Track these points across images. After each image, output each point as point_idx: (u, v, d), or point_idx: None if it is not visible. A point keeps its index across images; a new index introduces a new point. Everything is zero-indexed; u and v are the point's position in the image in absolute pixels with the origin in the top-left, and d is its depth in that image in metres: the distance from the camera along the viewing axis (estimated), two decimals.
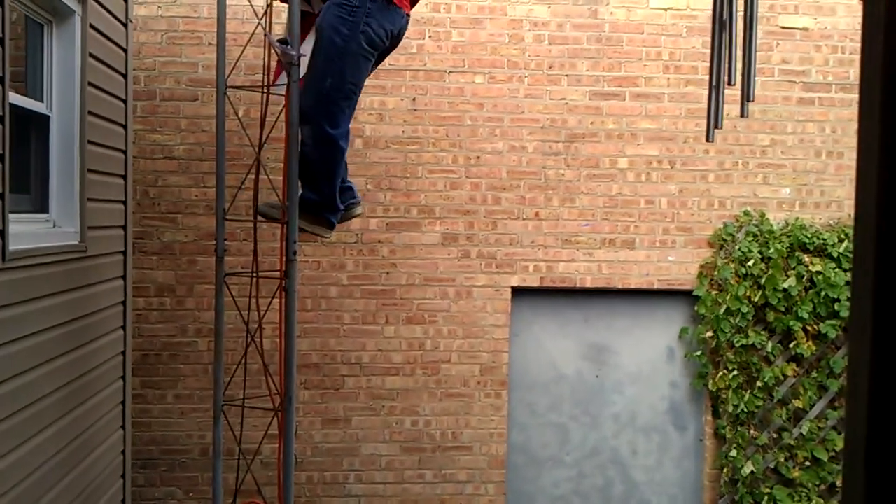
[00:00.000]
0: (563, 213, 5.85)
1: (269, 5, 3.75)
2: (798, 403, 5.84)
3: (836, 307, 5.74)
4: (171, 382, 5.65)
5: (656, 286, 5.95)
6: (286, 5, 3.54)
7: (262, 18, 3.69)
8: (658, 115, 5.89)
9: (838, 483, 5.79)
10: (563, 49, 5.81)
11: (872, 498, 0.92)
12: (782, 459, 5.84)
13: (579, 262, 5.88)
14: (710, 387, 5.95)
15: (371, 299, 5.75)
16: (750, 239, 5.83)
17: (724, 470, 5.90)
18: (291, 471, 3.50)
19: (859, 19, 1.10)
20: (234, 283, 4.04)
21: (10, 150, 3.25)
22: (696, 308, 5.93)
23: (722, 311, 5.76)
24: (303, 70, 3.50)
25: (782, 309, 5.77)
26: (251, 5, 4.03)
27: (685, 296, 6.02)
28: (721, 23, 3.49)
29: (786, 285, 5.72)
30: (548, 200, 5.84)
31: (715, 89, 3.59)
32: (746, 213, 5.94)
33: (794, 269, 5.79)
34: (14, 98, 3.49)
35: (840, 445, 5.76)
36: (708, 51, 4.21)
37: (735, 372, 5.80)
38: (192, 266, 5.62)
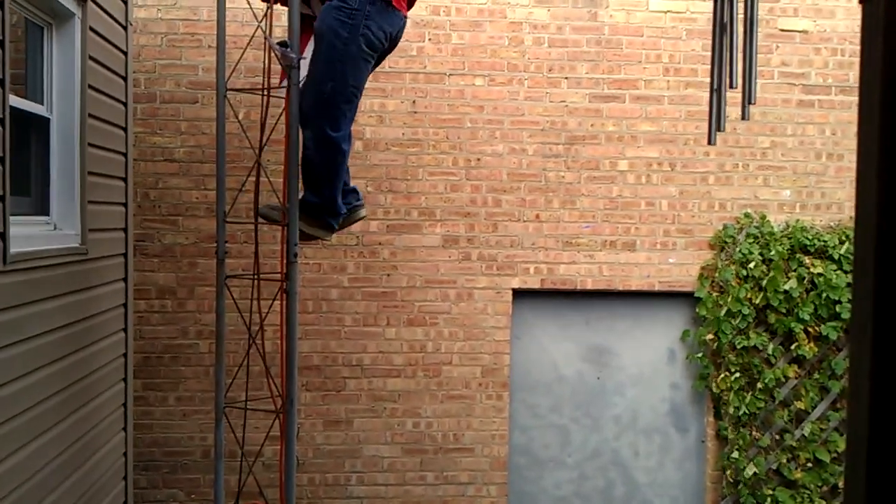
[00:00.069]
0: (564, 215, 5.86)
1: (269, 8, 3.76)
2: (800, 405, 5.84)
3: (837, 309, 5.74)
4: (173, 384, 5.65)
5: (657, 288, 5.95)
6: (286, 8, 3.55)
7: (261, 21, 3.70)
8: (658, 117, 5.89)
9: (840, 484, 5.79)
10: (562, 52, 5.81)
11: (874, 498, 0.92)
12: (784, 461, 5.84)
13: (580, 263, 5.89)
14: (711, 388, 5.95)
15: (372, 301, 5.76)
16: (751, 241, 5.83)
17: (727, 471, 5.89)
18: (293, 472, 3.50)
19: (858, 22, 1.10)
20: (234, 286, 4.04)
21: (10, 152, 3.25)
22: (697, 310, 5.93)
23: (723, 312, 5.76)
24: (303, 73, 3.50)
25: (783, 311, 5.77)
26: (251, 8, 4.03)
27: (686, 297, 6.02)
28: (722, 26, 3.50)
29: (787, 287, 5.72)
30: (548, 202, 5.84)
31: (716, 92, 3.59)
32: (747, 215, 5.94)
33: (794, 270, 5.79)
34: (14, 100, 3.49)
35: (842, 447, 5.76)
36: (708, 53, 4.21)
37: (736, 373, 5.80)
38: (193, 268, 5.62)
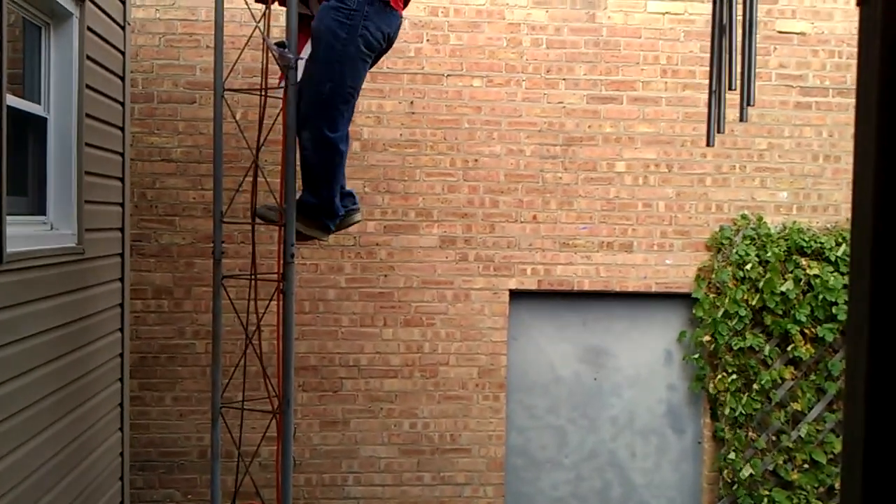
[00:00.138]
0: (561, 217, 5.86)
1: (267, 9, 3.76)
2: (796, 406, 5.85)
3: (833, 310, 5.74)
4: (170, 384, 5.64)
5: (654, 289, 5.96)
6: (284, 8, 3.55)
7: (259, 21, 3.70)
8: (655, 118, 5.90)
9: (837, 485, 5.80)
10: (560, 53, 5.82)
11: (870, 500, 0.92)
12: (781, 462, 5.85)
13: (577, 265, 5.89)
14: (708, 390, 5.95)
15: (369, 302, 5.75)
16: (747, 242, 5.84)
17: (723, 472, 5.90)
18: (290, 473, 3.50)
19: (856, 24, 1.10)
20: (231, 286, 4.04)
21: (7, 152, 3.24)
22: (693, 311, 5.93)
23: (720, 314, 5.77)
24: (299, 73, 3.50)
25: (780, 312, 5.78)
26: (249, 8, 4.03)
27: (683, 299, 6.02)
28: (721, 27, 3.50)
29: (783, 289, 5.73)
30: (545, 203, 5.84)
31: (715, 94, 3.59)
32: (744, 217, 5.95)
33: (791, 272, 5.79)
34: (11, 100, 3.49)
35: (838, 448, 5.76)
36: (705, 55, 4.22)
37: (733, 375, 5.81)
38: (190, 268, 5.62)
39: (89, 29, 4.14)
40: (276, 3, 3.76)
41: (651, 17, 5.87)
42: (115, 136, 4.65)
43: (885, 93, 0.95)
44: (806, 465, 5.85)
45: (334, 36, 3.38)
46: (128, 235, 4.91)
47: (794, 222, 5.96)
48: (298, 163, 3.56)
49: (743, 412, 5.78)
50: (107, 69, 4.46)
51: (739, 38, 3.44)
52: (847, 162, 6.01)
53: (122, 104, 4.75)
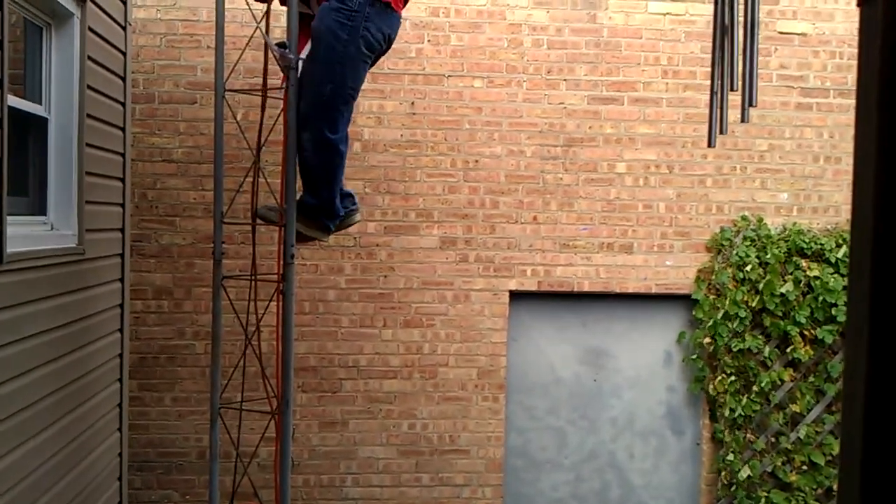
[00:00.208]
0: (562, 218, 5.86)
1: (268, 9, 3.76)
2: (795, 408, 5.85)
3: (833, 312, 5.74)
4: (169, 385, 5.64)
5: (654, 290, 5.95)
6: (285, 8, 3.55)
7: (260, 21, 3.70)
8: (656, 119, 5.89)
9: (835, 487, 5.79)
10: (561, 54, 5.82)
11: (868, 501, 0.92)
12: (779, 463, 5.84)
13: (577, 266, 5.89)
14: (707, 391, 5.95)
15: (369, 303, 5.75)
16: (747, 244, 5.84)
17: (722, 474, 5.90)
18: (288, 474, 3.49)
19: (857, 25, 1.10)
20: (231, 287, 4.04)
21: (8, 152, 3.25)
22: (693, 312, 5.93)
23: (720, 315, 5.77)
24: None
25: (780, 314, 5.77)
26: (250, 9, 4.03)
27: (683, 300, 6.02)
28: (723, 28, 3.50)
29: (783, 290, 5.73)
30: (546, 204, 5.84)
31: (716, 95, 3.59)
32: (744, 218, 5.95)
33: (791, 273, 5.79)
34: (12, 100, 3.49)
35: (837, 450, 5.76)
36: (706, 56, 4.22)
37: (732, 376, 5.80)
38: (190, 269, 5.62)
39: (90, 29, 4.14)
40: (277, 3, 3.76)
41: (652, 18, 5.87)
42: (116, 137, 4.65)
43: (886, 93, 0.95)
44: (805, 467, 5.84)
45: (335, 37, 3.38)
46: (128, 236, 4.92)
47: (795, 224, 5.95)
48: (298, 163, 3.56)
49: (742, 414, 5.78)
50: (108, 69, 4.46)
51: (741, 39, 3.44)
52: (848, 163, 6.01)
53: (123, 104, 4.75)
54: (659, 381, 6.15)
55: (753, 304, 5.75)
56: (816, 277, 5.74)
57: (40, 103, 3.90)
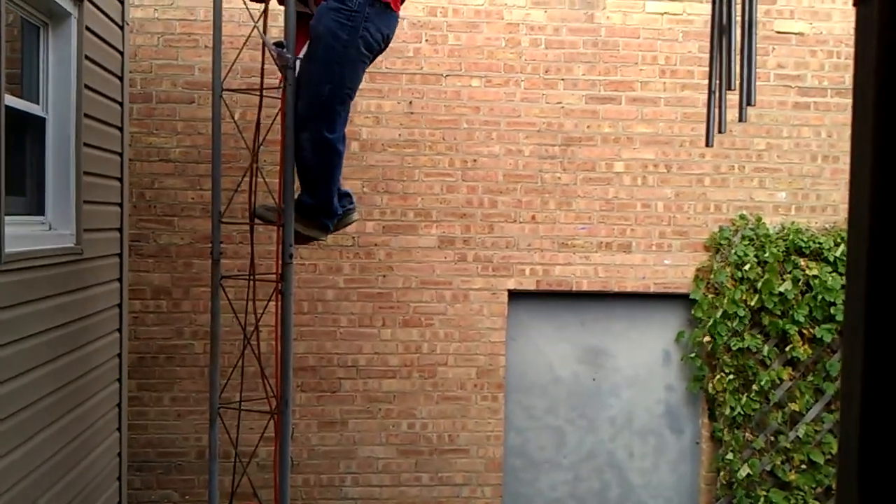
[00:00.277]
0: (560, 217, 5.86)
1: (266, 8, 3.76)
2: (794, 407, 5.85)
3: (832, 311, 5.75)
4: (168, 385, 5.64)
5: (652, 290, 5.96)
6: (282, 8, 3.54)
7: (257, 21, 3.70)
8: (654, 119, 5.90)
9: (834, 486, 5.80)
10: (559, 53, 5.82)
11: (866, 499, 0.92)
12: (779, 462, 5.85)
13: (576, 265, 5.89)
14: (706, 390, 5.96)
15: (367, 302, 5.75)
16: (746, 243, 5.85)
17: (721, 473, 5.90)
18: (287, 473, 3.50)
19: (854, 24, 1.10)
20: (230, 286, 4.04)
21: (6, 152, 3.24)
22: (692, 312, 5.93)
23: (718, 314, 5.77)
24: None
25: (778, 312, 5.78)
26: (247, 8, 4.03)
27: (681, 299, 6.02)
28: (720, 27, 3.50)
29: (782, 289, 5.73)
30: (544, 204, 5.84)
31: (714, 94, 3.59)
32: (742, 217, 5.95)
33: (790, 272, 5.80)
34: (10, 100, 3.48)
35: (836, 448, 5.76)
36: (704, 55, 4.22)
37: (731, 375, 5.81)
38: (189, 269, 5.62)
39: (88, 29, 4.14)
40: (275, 3, 3.75)
41: (650, 18, 5.87)
42: (114, 136, 4.64)
43: (882, 93, 0.95)
44: (804, 466, 5.85)
45: (334, 37, 3.37)
46: (126, 235, 4.91)
47: (793, 223, 5.96)
48: (296, 163, 3.55)
49: (741, 412, 5.78)
50: (105, 69, 4.46)
51: (738, 38, 3.44)
52: (845, 162, 6.01)
53: (121, 104, 4.75)
54: (658, 380, 6.15)
55: (752, 303, 5.75)
56: (815, 276, 5.75)
57: (38, 103, 3.90)
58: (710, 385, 5.89)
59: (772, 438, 5.90)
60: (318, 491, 5.77)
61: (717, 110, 3.56)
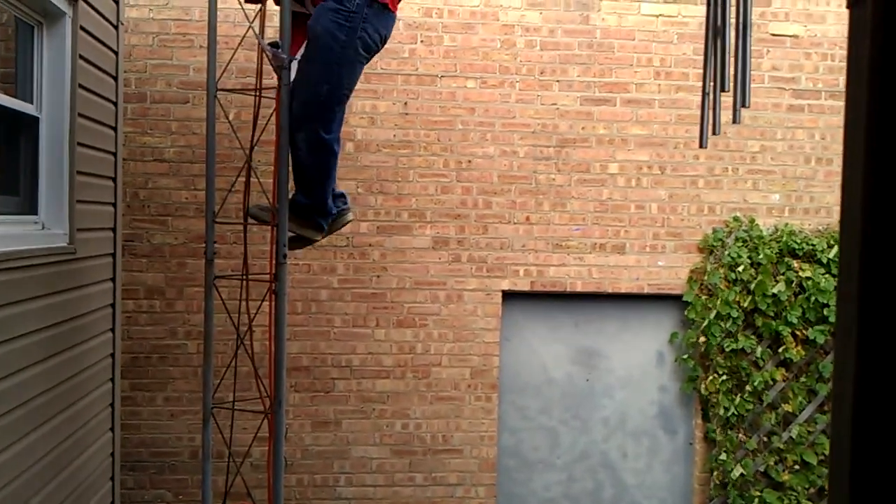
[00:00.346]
0: (554, 218, 5.87)
1: (261, 9, 3.75)
2: (788, 407, 5.87)
3: (825, 312, 5.76)
4: (161, 385, 5.63)
5: (646, 291, 5.97)
6: (278, 8, 3.54)
7: (253, 21, 3.69)
8: (649, 120, 5.91)
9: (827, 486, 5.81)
10: (554, 55, 5.82)
11: (858, 499, 0.92)
12: (772, 463, 5.86)
13: (570, 266, 5.90)
14: (700, 391, 5.97)
15: (361, 302, 5.75)
16: (739, 244, 5.86)
17: (714, 473, 5.91)
18: (281, 473, 3.49)
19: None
20: (223, 286, 4.04)
21: None
22: (686, 313, 5.95)
23: (712, 315, 5.78)
24: (293, 74, 3.49)
25: (772, 314, 5.79)
26: (242, 8, 4.02)
27: (675, 300, 6.03)
28: (715, 29, 3.51)
29: (775, 290, 5.75)
30: (538, 205, 5.85)
31: (708, 95, 3.60)
32: (736, 219, 5.96)
33: (783, 274, 5.81)
34: (3, 99, 3.48)
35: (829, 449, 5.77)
36: (699, 57, 4.23)
37: (724, 376, 5.82)
38: (182, 269, 5.61)
39: (82, 28, 4.13)
40: (272, 3, 3.74)
41: (645, 20, 5.88)
42: (108, 136, 4.63)
43: (875, 95, 0.95)
44: (797, 466, 5.86)
45: (333, 38, 3.36)
46: (120, 235, 4.90)
47: (787, 224, 5.97)
48: (291, 163, 3.55)
49: (734, 413, 5.79)
50: (100, 69, 4.45)
51: (733, 40, 3.45)
52: (839, 164, 6.03)
53: (115, 104, 4.74)
54: (651, 381, 6.16)
55: (745, 305, 5.77)
56: (808, 278, 5.77)
57: (31, 102, 3.89)
58: (704, 386, 5.91)
59: (765, 439, 5.92)
60: (311, 491, 5.76)
61: (710, 112, 3.57)
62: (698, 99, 3.87)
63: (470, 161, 5.79)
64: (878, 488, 0.92)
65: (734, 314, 5.75)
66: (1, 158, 3.27)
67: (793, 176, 6.05)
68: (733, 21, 3.47)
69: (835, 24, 5.99)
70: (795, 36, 6.00)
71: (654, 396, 6.17)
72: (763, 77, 5.96)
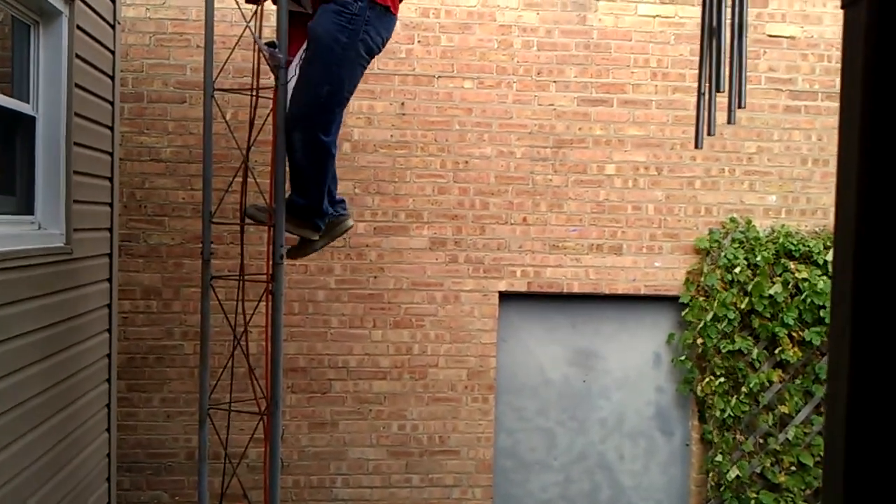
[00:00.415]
0: (551, 219, 5.87)
1: (258, 8, 3.75)
2: (784, 409, 5.87)
3: (821, 314, 5.77)
4: (157, 386, 5.62)
5: (643, 292, 5.97)
6: (275, 7, 3.53)
7: (250, 21, 3.69)
8: (645, 121, 5.91)
9: None
10: (551, 55, 5.83)
11: (852, 499, 0.92)
12: (768, 464, 5.86)
13: (567, 267, 5.90)
14: (696, 392, 5.97)
15: (358, 303, 5.75)
16: (736, 246, 5.86)
17: (711, 475, 5.91)
18: (278, 475, 3.49)
19: None
20: (220, 287, 4.03)
21: None
22: (682, 314, 5.95)
23: (709, 317, 5.78)
24: (290, 73, 3.49)
25: (768, 315, 5.80)
26: (239, 8, 4.02)
27: (672, 301, 6.04)
28: (710, 30, 3.51)
29: (772, 292, 5.75)
30: (535, 206, 5.85)
31: (703, 96, 3.60)
32: (733, 220, 5.97)
33: (780, 275, 5.82)
34: (0, 99, 3.47)
35: None
36: (695, 58, 4.23)
37: (721, 377, 5.82)
38: (179, 269, 5.60)
39: (79, 28, 4.12)
40: (269, 2, 3.74)
41: (641, 20, 5.88)
42: (105, 136, 4.63)
43: (869, 95, 0.95)
44: (793, 468, 5.87)
45: (335, 40, 3.36)
46: (116, 235, 4.89)
47: (783, 226, 5.98)
48: (288, 164, 3.55)
49: (731, 414, 5.79)
50: (96, 68, 4.44)
51: (728, 41, 3.46)
52: (835, 166, 6.03)
53: (112, 103, 4.73)
54: (648, 382, 6.16)
55: (742, 306, 5.77)
56: (805, 279, 5.77)
57: (28, 102, 3.88)
58: (700, 387, 5.91)
59: (761, 440, 5.92)
60: (308, 492, 5.75)
61: (706, 113, 3.57)
62: (695, 100, 3.87)
63: (467, 162, 5.79)
64: (871, 488, 0.92)
65: (731, 315, 5.75)
66: None
67: (789, 177, 6.05)
68: (728, 22, 3.48)
69: (831, 25, 6.00)
70: (792, 37, 6.00)
71: (650, 398, 6.17)
72: (760, 78, 5.97)
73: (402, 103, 5.73)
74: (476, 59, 5.77)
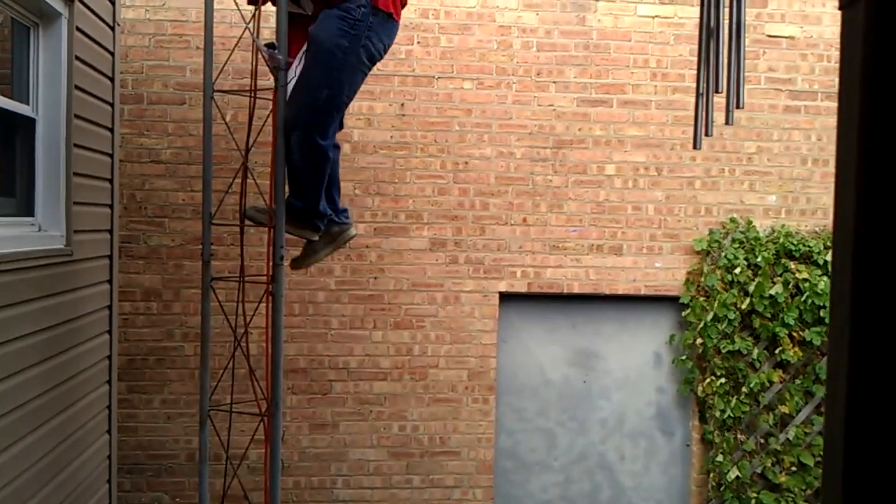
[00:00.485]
0: (551, 219, 5.87)
1: (258, 10, 3.75)
2: (784, 409, 5.87)
3: (821, 314, 5.77)
4: (158, 387, 5.62)
5: (643, 292, 5.97)
6: (275, 9, 3.54)
7: (249, 22, 3.69)
8: (645, 122, 5.91)
9: None
10: (551, 56, 5.83)
11: (850, 499, 0.92)
12: (769, 464, 5.86)
13: (567, 267, 5.90)
14: (697, 392, 5.97)
15: (359, 304, 5.75)
16: (736, 246, 5.86)
17: (711, 475, 5.91)
18: (278, 476, 3.49)
19: None
20: (220, 288, 4.03)
21: None
22: (683, 314, 5.95)
23: (709, 317, 5.78)
24: (289, 74, 3.49)
25: (768, 315, 5.79)
26: (239, 9, 4.03)
27: (672, 302, 6.04)
28: (709, 30, 3.51)
29: (772, 292, 5.75)
30: (535, 206, 5.85)
31: (702, 96, 3.60)
32: (733, 220, 5.97)
33: (780, 275, 5.82)
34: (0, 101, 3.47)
35: None
36: (695, 58, 4.23)
37: (722, 378, 5.82)
38: (179, 270, 5.60)
39: (78, 29, 4.12)
40: (269, 4, 3.74)
41: (641, 21, 5.88)
42: (105, 138, 4.63)
43: (868, 95, 0.95)
44: (794, 468, 5.87)
45: (336, 44, 3.35)
46: (116, 237, 4.90)
47: (783, 226, 5.98)
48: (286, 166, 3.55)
49: (731, 415, 5.79)
50: (96, 70, 4.44)
51: (726, 42, 3.46)
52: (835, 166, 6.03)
53: (112, 105, 4.73)
54: (648, 382, 6.16)
55: (742, 306, 5.77)
56: (805, 279, 5.77)
57: (28, 104, 3.89)
58: (701, 387, 5.91)
59: (762, 441, 5.92)
60: (308, 493, 5.75)
61: (704, 113, 3.57)
62: (694, 100, 3.87)
63: (467, 162, 5.79)
64: (870, 488, 0.92)
65: (731, 316, 5.75)
66: None
67: (789, 177, 6.05)
68: (727, 22, 3.48)
69: (830, 25, 6.00)
70: (791, 37, 6.01)
71: (651, 398, 6.17)
72: (759, 78, 5.97)
73: (402, 104, 5.73)
74: (476, 59, 5.77)
